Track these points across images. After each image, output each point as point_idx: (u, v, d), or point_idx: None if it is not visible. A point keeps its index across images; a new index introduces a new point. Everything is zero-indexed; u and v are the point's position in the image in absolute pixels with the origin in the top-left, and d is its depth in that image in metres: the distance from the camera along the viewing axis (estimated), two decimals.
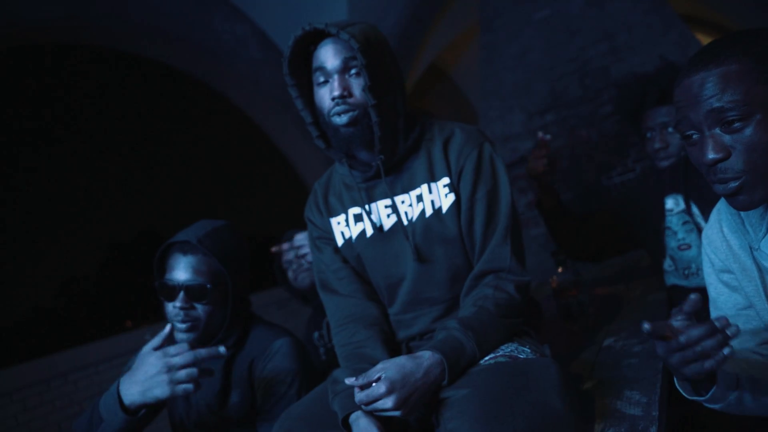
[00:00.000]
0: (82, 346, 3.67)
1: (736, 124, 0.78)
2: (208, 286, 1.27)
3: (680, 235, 1.65)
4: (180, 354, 1.07)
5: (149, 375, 1.06)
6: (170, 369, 1.06)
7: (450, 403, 0.94)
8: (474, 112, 8.17)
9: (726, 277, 0.94)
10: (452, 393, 0.95)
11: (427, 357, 0.96)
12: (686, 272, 1.66)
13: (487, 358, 1.03)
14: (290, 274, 2.17)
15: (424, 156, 1.15)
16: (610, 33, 4.76)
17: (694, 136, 0.82)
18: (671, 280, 1.72)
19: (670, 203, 1.68)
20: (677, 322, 0.78)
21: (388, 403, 0.90)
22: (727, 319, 0.75)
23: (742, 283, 0.91)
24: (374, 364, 1.04)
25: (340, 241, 1.21)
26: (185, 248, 1.29)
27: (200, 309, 1.28)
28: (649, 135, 1.68)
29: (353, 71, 1.08)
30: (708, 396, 0.83)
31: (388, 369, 0.93)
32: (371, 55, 1.06)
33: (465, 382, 0.96)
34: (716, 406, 0.86)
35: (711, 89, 0.78)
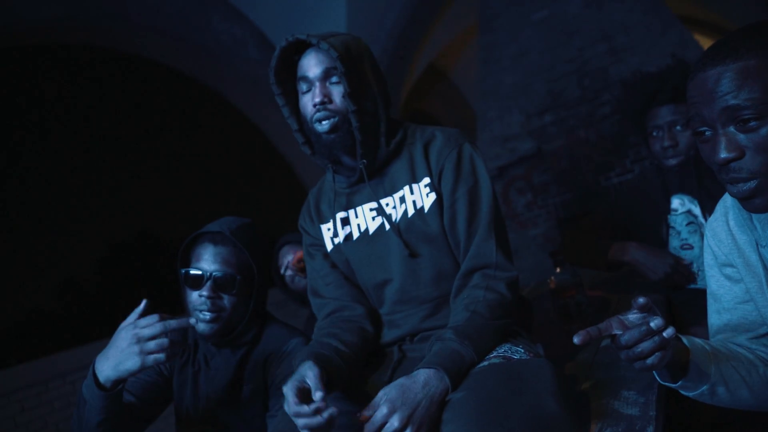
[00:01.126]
0: (80, 347, 3.67)
1: (752, 123, 0.73)
2: (238, 277, 1.29)
3: (683, 235, 1.65)
4: (149, 325, 1.06)
5: (120, 349, 1.06)
6: (140, 340, 1.05)
7: (447, 406, 0.94)
8: (472, 113, 8.17)
9: (728, 270, 0.93)
10: (450, 396, 0.96)
11: (423, 372, 0.96)
12: None
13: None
14: (287, 276, 2.17)
15: (406, 159, 1.18)
16: (609, 34, 4.77)
17: (707, 133, 0.79)
18: None
19: (675, 203, 1.67)
20: (633, 316, 0.81)
21: (394, 423, 0.89)
22: (663, 321, 0.77)
23: (744, 279, 0.90)
24: (342, 341, 1.08)
25: (329, 247, 1.24)
26: (216, 239, 1.31)
27: (226, 300, 1.29)
28: (655, 134, 1.65)
29: (334, 79, 1.12)
30: (678, 384, 0.85)
31: (387, 392, 0.93)
32: (351, 64, 1.11)
33: (461, 385, 0.97)
34: (690, 395, 0.87)
35: (727, 85, 0.74)
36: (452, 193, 1.14)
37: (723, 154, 0.76)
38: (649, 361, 0.76)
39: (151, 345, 1.05)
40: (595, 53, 4.86)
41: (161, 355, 1.06)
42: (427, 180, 1.15)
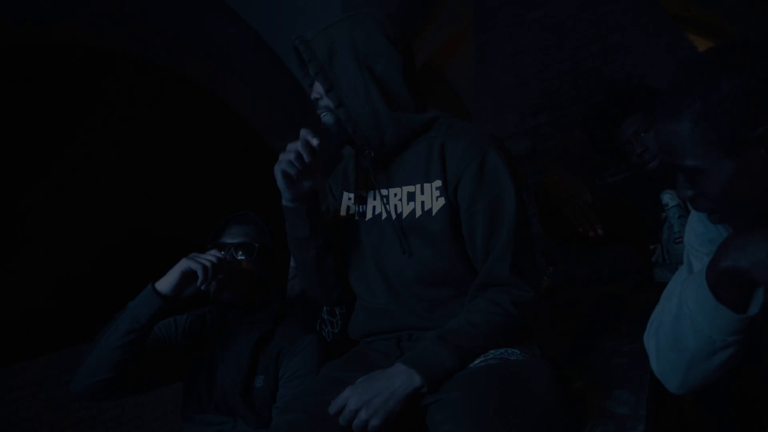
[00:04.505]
0: (74, 346, 3.65)
1: (692, 175, 0.80)
2: (256, 245, 1.41)
3: (676, 228, 1.70)
4: (206, 255, 1.29)
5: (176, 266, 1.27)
6: (192, 257, 1.27)
7: (442, 405, 0.94)
8: (468, 113, 8.18)
9: (712, 248, 0.92)
10: (443, 395, 0.95)
11: (394, 367, 0.98)
12: (678, 265, 1.68)
13: (477, 361, 1.02)
14: None
15: (424, 153, 1.14)
16: (603, 34, 4.78)
17: None
18: (660, 276, 1.75)
19: (666, 198, 1.73)
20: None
21: (350, 405, 0.93)
22: None
23: None
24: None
25: (343, 213, 1.26)
26: (243, 219, 1.46)
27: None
28: (628, 149, 1.74)
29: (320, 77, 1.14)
30: (746, 315, 0.78)
31: (356, 382, 0.97)
32: (330, 59, 1.11)
33: (456, 385, 0.96)
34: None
35: (667, 145, 0.80)
36: (471, 205, 1.09)
37: (683, 194, 0.84)
38: None
39: (200, 262, 1.25)
40: (589, 53, 4.87)
41: (199, 266, 1.24)
42: (438, 183, 1.11)
